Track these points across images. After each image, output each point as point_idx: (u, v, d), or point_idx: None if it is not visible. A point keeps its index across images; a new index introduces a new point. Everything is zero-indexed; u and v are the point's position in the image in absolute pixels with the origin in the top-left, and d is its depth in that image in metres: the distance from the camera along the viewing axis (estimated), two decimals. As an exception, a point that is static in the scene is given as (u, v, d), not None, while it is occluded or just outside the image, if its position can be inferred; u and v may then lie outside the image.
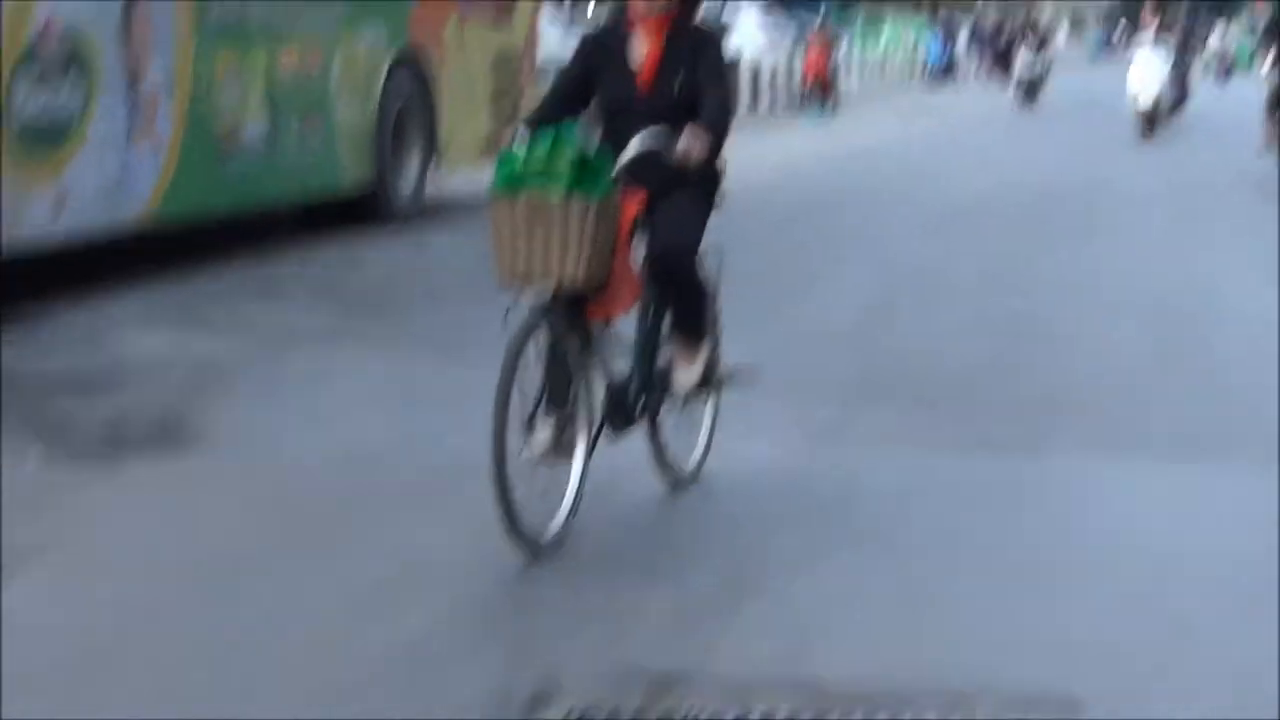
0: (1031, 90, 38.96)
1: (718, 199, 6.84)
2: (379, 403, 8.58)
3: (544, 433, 6.28)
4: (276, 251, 13.20)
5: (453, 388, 8.57)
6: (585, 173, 6.12)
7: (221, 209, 12.58)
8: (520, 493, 6.05)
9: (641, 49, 6.70)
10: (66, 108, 10.45)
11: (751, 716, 4.93)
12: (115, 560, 6.16)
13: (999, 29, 55.45)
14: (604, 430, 6.56)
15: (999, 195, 18.79)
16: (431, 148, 15.21)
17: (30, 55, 10.09)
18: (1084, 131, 29.98)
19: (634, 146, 6.38)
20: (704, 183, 6.73)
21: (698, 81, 6.61)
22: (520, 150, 6.19)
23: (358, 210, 14.36)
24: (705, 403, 7.21)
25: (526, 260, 6.15)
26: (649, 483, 7.04)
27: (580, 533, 6.42)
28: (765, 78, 35.18)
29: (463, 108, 15.66)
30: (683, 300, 6.79)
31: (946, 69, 52.48)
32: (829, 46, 36.59)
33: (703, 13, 7.00)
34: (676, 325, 6.85)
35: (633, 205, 6.45)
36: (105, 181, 10.84)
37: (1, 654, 5.17)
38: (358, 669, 5.22)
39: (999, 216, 16.91)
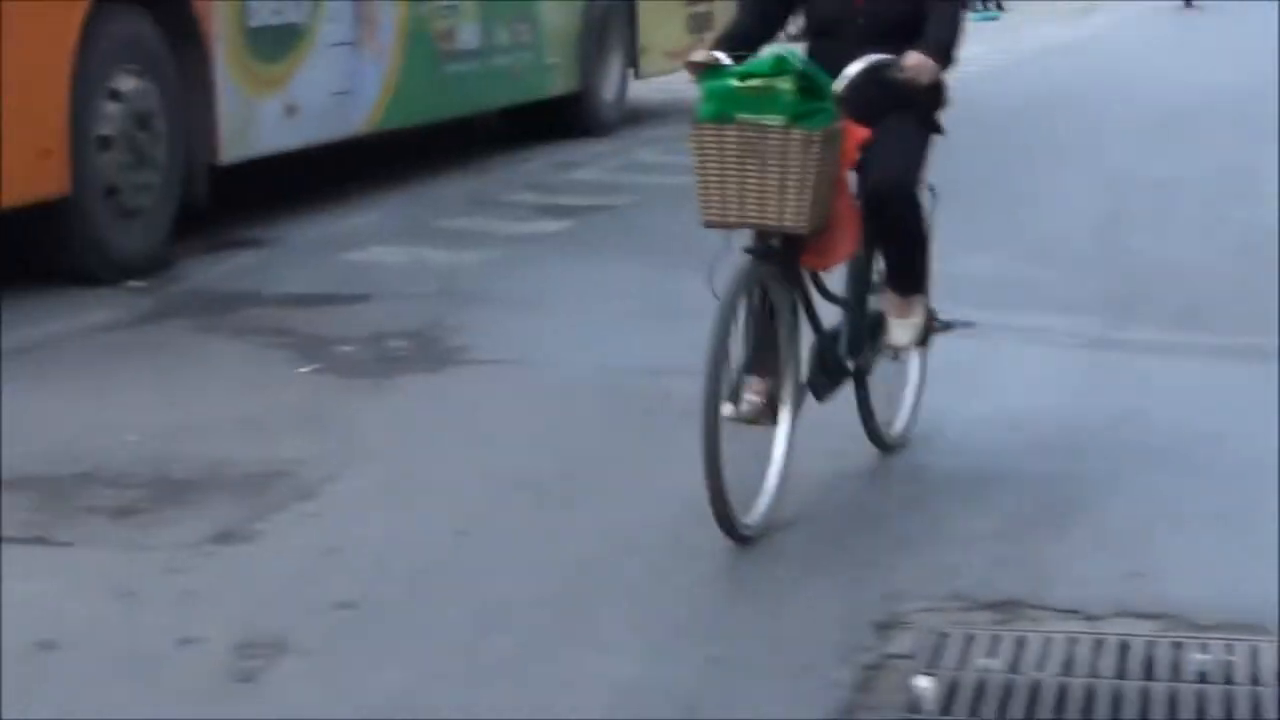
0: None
1: (940, 126, 6.00)
2: (628, 314, 8.48)
3: (751, 396, 5.45)
4: (484, 161, 13.11)
5: (698, 300, 8.45)
6: (808, 99, 5.28)
7: (440, 115, 12.51)
8: (730, 470, 5.26)
9: None
10: (298, 11, 10.36)
11: (1106, 642, 4.79)
12: (427, 477, 6.10)
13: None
14: (808, 393, 5.76)
15: (1200, 97, 18.37)
16: (631, 54, 15.04)
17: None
18: (1262, 31, 29.24)
19: (855, 68, 5.47)
20: (924, 107, 5.88)
21: None
22: (733, 74, 5.34)
23: (562, 117, 14.21)
24: (914, 358, 6.41)
25: (739, 199, 5.32)
26: (950, 408, 6.85)
27: (900, 454, 6.28)
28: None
29: (660, 14, 15.50)
30: (900, 243, 5.96)
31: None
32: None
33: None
34: (893, 272, 6.04)
35: (855, 136, 5.49)
36: (333, 88, 10.79)
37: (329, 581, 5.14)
38: (696, 589, 5.12)
39: (1206, 119, 16.52)
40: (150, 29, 9.08)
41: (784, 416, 5.57)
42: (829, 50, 5.66)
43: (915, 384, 6.44)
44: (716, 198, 5.36)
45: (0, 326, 7.85)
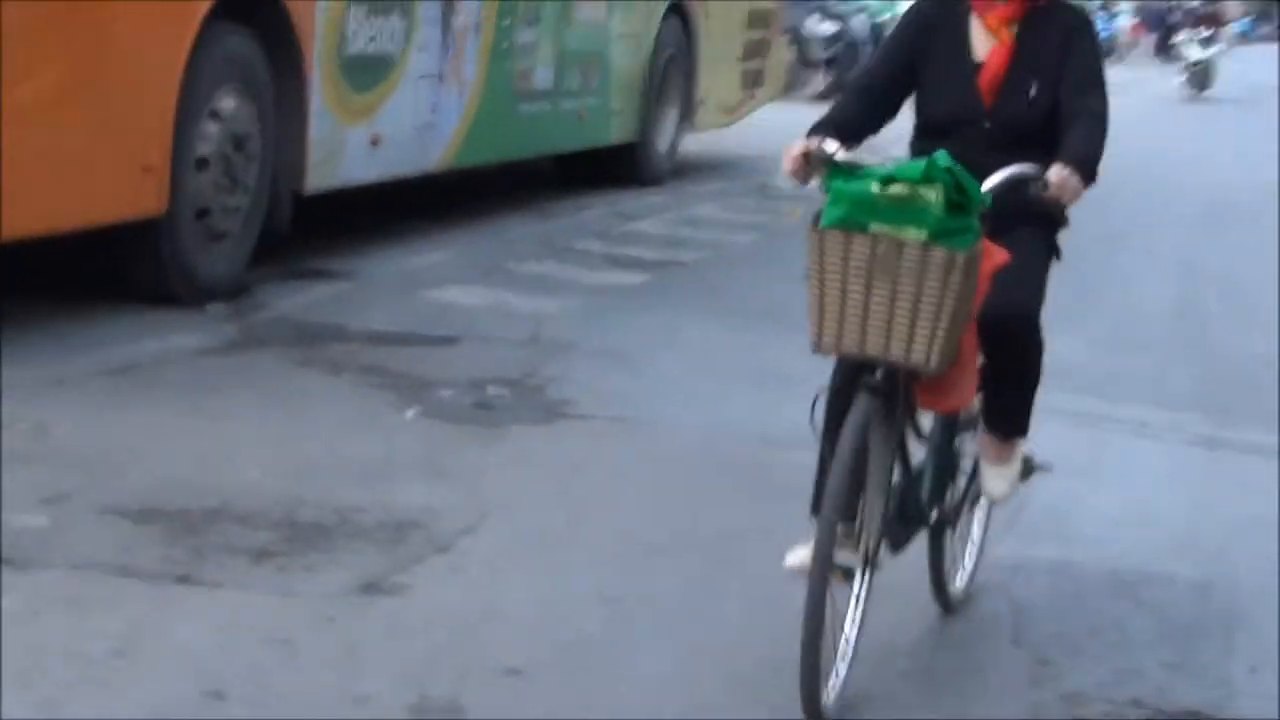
0: (1204, 76, 37.89)
1: (1059, 249, 5.23)
2: (724, 376, 8.36)
3: (839, 551, 4.72)
4: (543, 206, 12.96)
5: (789, 366, 8.39)
6: (955, 215, 4.48)
7: (511, 155, 12.39)
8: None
9: (986, 40, 5.07)
10: (392, 40, 10.21)
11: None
12: (564, 537, 5.94)
13: (1169, 9, 54.55)
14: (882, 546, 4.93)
15: (1236, 190, 18.31)
16: (688, 106, 14.94)
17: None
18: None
19: (996, 180, 4.70)
20: (1050, 225, 5.13)
21: (1064, 87, 4.99)
22: (873, 176, 4.52)
23: (616, 165, 14.08)
24: (983, 507, 5.69)
25: (860, 323, 4.53)
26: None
27: (1040, 547, 6.14)
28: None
29: (717, 67, 15.41)
30: (1016, 380, 5.15)
31: (1107, 49, 51.85)
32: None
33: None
34: (998, 412, 5.23)
35: (994, 260, 4.66)
36: (417, 122, 10.63)
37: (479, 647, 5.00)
38: (865, 669, 4.95)
39: (1247, 211, 16.46)
40: (254, 50, 8.91)
41: (859, 577, 4.79)
42: (946, 149, 4.64)
43: (980, 536, 5.70)
44: (833, 319, 4.55)
45: (81, 345, 7.73)
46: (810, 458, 6.57)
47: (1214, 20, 39.97)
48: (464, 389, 7.67)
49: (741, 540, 5.94)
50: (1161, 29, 49.85)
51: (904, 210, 4.45)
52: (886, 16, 30.04)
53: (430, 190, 12.26)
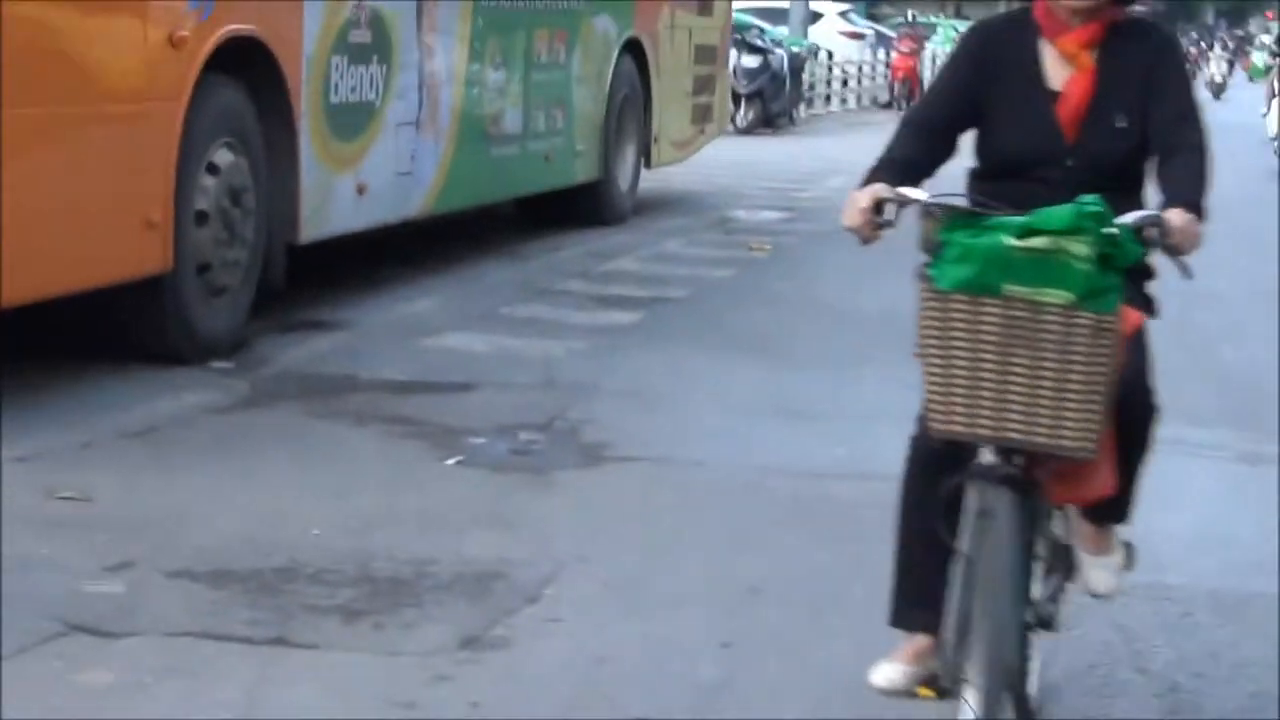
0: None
1: (1156, 299, 4.46)
2: (748, 411, 8.20)
3: (901, 664, 4.36)
4: (514, 248, 12.78)
5: (807, 393, 8.31)
6: (1105, 271, 3.84)
7: (485, 199, 12.23)
8: None
9: (1061, 67, 4.40)
10: (372, 88, 10.03)
11: None
12: (649, 582, 5.77)
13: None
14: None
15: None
16: (645, 143, 14.82)
17: (344, 36, 9.69)
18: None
19: (1125, 224, 3.93)
20: (1140, 273, 4.26)
21: (1154, 116, 4.35)
22: (1007, 227, 3.85)
23: (580, 205, 13.92)
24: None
25: (996, 403, 3.88)
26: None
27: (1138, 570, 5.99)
28: (853, 75, 35.70)
29: (670, 103, 15.32)
30: (1128, 460, 4.32)
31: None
32: (918, 45, 36.69)
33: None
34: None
35: (1131, 322, 4.04)
36: (399, 169, 10.45)
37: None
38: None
39: (1212, 232, 16.38)
40: (244, 102, 8.70)
41: (974, 700, 3.99)
42: (1018, 196, 4.08)
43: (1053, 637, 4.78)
44: (962, 399, 3.89)
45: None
46: (861, 491, 6.48)
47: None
48: (495, 435, 7.49)
49: (835, 579, 5.78)
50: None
51: (1044, 267, 3.80)
52: (800, 48, 30.21)
53: (400, 237, 12.04)
